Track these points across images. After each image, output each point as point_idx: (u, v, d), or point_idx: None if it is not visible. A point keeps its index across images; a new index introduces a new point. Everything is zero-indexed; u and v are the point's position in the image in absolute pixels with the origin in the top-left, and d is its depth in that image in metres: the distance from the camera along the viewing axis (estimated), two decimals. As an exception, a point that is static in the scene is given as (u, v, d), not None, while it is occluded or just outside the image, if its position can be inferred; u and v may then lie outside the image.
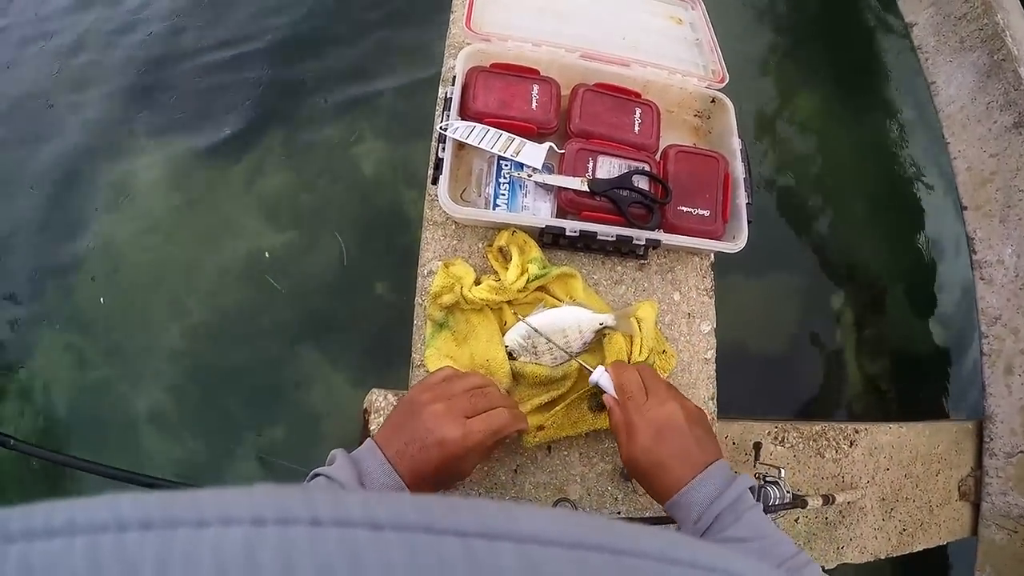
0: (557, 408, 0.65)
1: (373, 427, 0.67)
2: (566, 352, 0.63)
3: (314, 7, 1.78)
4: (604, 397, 0.60)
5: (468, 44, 0.76)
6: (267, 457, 1.34)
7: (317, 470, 0.49)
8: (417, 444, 0.49)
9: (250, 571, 0.14)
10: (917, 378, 1.68)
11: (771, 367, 1.63)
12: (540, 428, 0.65)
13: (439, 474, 0.50)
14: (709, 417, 0.73)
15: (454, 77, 0.73)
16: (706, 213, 0.75)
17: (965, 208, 1.84)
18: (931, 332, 1.74)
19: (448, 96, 0.72)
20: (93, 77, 1.75)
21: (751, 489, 0.54)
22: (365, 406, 0.70)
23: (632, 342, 0.66)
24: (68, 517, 0.14)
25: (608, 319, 0.65)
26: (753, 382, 1.59)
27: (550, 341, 0.63)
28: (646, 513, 0.68)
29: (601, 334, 0.65)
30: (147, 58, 1.75)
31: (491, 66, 0.76)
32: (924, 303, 1.76)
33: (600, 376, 0.61)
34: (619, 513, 0.67)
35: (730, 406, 1.39)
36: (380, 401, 0.69)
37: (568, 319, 0.64)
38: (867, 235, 1.79)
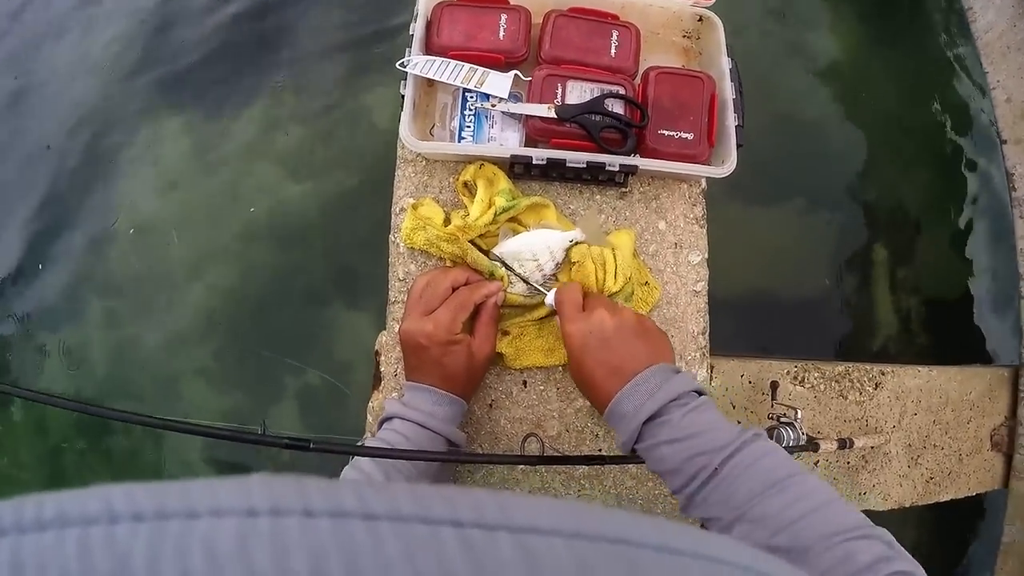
0: (526, 318, 0.64)
1: (383, 368, 0.70)
2: (523, 279, 0.61)
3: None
4: (556, 318, 0.58)
5: (435, -21, 0.73)
6: (325, 376, 1.38)
7: (386, 414, 0.58)
8: (430, 362, 0.57)
9: (243, 563, 0.13)
10: (951, 321, 1.58)
11: (797, 305, 1.56)
12: (517, 351, 0.65)
13: (466, 370, 0.58)
14: (698, 351, 0.70)
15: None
16: (689, 136, 0.70)
17: (1004, 142, 1.71)
18: (968, 273, 1.63)
19: (412, 33, 0.70)
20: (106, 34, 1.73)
21: (696, 392, 0.50)
22: (376, 348, 0.72)
23: (605, 269, 0.63)
24: (59, 509, 0.14)
25: (576, 234, 0.63)
26: (777, 320, 1.53)
27: (510, 269, 0.61)
28: (629, 449, 0.65)
29: (571, 261, 0.63)
30: (159, 17, 1.72)
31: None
32: (961, 242, 1.65)
33: (553, 298, 0.59)
34: (600, 450, 0.65)
35: (751, 344, 1.34)
36: (389, 342, 0.73)
37: (537, 242, 0.62)
38: (901, 169, 1.68)
